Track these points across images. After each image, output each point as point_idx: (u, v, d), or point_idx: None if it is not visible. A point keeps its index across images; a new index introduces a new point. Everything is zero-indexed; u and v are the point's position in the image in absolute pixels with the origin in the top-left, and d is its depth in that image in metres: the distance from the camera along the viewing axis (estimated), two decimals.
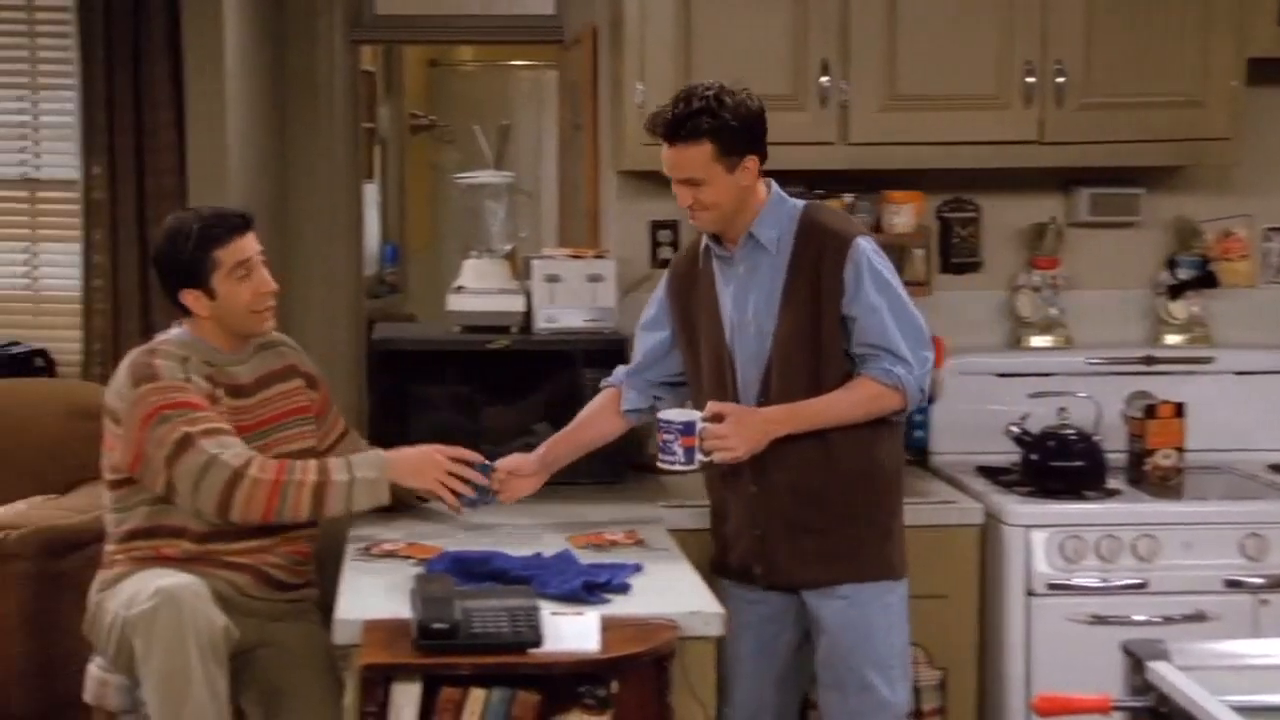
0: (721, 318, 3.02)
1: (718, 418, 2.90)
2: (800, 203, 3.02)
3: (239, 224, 3.11)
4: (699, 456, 2.93)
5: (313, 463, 2.98)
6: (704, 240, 3.06)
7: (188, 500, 2.95)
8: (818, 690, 3.06)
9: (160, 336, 3.18)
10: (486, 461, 3.13)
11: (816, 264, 2.92)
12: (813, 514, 2.96)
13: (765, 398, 2.97)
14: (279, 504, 2.93)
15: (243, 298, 3.09)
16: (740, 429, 2.89)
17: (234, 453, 2.93)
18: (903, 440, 3.10)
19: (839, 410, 2.91)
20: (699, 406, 3.01)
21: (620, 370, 3.23)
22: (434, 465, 3.04)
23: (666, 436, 2.95)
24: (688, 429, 2.93)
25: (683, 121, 2.89)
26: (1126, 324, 4.04)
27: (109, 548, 3.14)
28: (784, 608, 3.02)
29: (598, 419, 3.22)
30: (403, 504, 3.20)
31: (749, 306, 2.98)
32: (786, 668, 3.08)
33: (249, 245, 3.11)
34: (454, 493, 3.06)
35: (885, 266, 2.94)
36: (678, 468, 2.96)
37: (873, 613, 2.96)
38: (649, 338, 3.18)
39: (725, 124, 2.87)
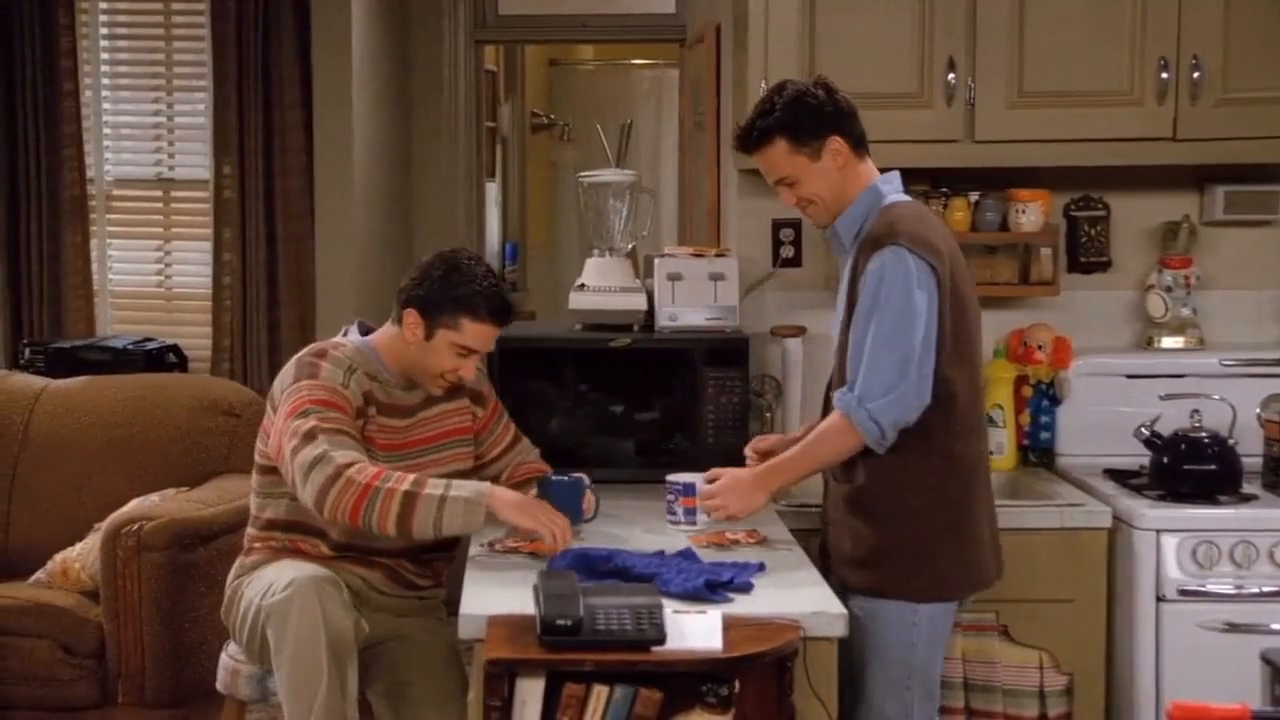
0: (838, 298, 3.07)
1: (714, 479, 3.02)
2: (892, 200, 2.96)
3: (500, 319, 3.10)
4: (700, 517, 3.08)
5: (411, 475, 2.93)
6: None
7: (299, 491, 2.94)
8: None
9: (337, 339, 3.19)
10: (580, 476, 3.16)
11: (859, 266, 2.90)
12: (857, 522, 2.94)
13: (827, 395, 3.02)
14: (366, 507, 2.86)
15: (441, 364, 3.10)
16: (733, 487, 2.99)
17: (344, 453, 2.91)
18: (968, 472, 2.94)
19: (814, 457, 2.93)
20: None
21: None
22: (539, 508, 2.96)
23: (669, 497, 3.13)
24: (687, 490, 3.11)
25: (749, 131, 2.94)
26: (1262, 325, 3.94)
27: (250, 532, 3.19)
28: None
29: None
30: None
31: (840, 294, 3.02)
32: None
33: (488, 341, 3.11)
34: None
35: (898, 279, 2.80)
36: (680, 527, 3.11)
37: (885, 629, 2.89)
38: None
39: (786, 116, 2.89)
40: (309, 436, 2.94)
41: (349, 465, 2.89)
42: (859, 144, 2.95)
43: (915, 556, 2.90)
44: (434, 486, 2.89)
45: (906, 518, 2.90)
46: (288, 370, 3.10)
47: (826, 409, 3.04)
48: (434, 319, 3.06)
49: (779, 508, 3.35)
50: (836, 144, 2.91)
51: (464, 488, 2.92)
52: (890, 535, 2.91)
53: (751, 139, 2.93)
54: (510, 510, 2.91)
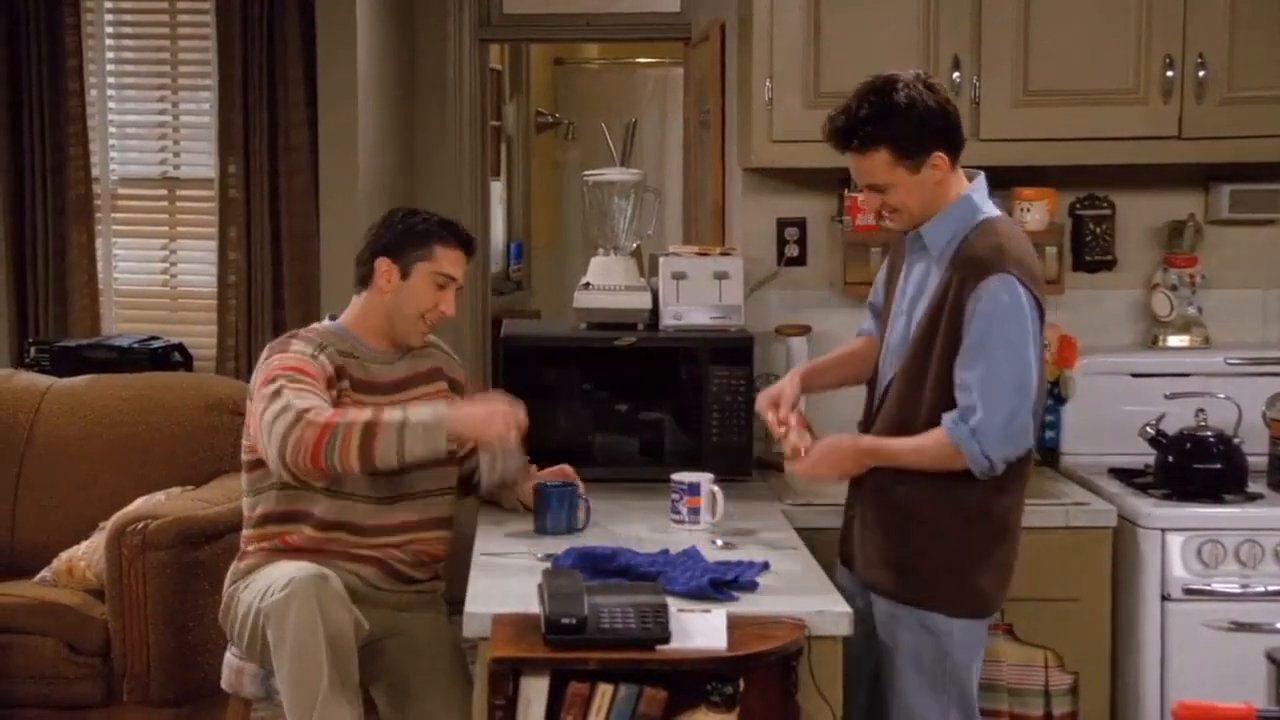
0: (894, 293, 2.99)
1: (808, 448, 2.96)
2: (986, 214, 2.87)
3: (467, 245, 3.22)
4: (705, 518, 3.10)
5: (368, 409, 2.97)
6: None
7: (266, 447, 2.96)
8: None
9: (314, 325, 3.27)
10: (573, 484, 3.17)
11: (952, 287, 2.81)
12: (902, 527, 2.90)
13: (886, 393, 2.95)
14: (327, 445, 2.87)
15: (422, 302, 3.15)
16: (828, 453, 2.94)
17: (305, 400, 2.94)
18: (1018, 490, 2.90)
19: (913, 459, 2.84)
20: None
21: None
22: (500, 416, 2.98)
23: (674, 496, 3.15)
24: (692, 489, 3.12)
25: (852, 130, 2.80)
26: (1268, 323, 3.94)
27: (245, 533, 3.21)
28: (866, 603, 2.95)
29: (852, 359, 3.20)
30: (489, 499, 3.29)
31: (908, 296, 2.93)
32: (870, 667, 2.97)
33: (460, 267, 3.20)
34: (545, 517, 3.10)
35: (1013, 311, 2.74)
36: (685, 526, 3.12)
37: (921, 636, 2.86)
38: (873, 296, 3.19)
39: (897, 129, 2.77)
40: (275, 395, 2.98)
41: (307, 410, 2.92)
42: (957, 155, 2.85)
43: (957, 571, 2.86)
44: (392, 414, 2.94)
45: (956, 532, 2.85)
46: (262, 356, 3.16)
47: (871, 404, 3.02)
48: (407, 255, 3.15)
49: (784, 507, 3.35)
50: (939, 159, 2.81)
51: (422, 413, 2.97)
52: (936, 546, 2.86)
53: (854, 141, 2.81)
54: (473, 429, 2.99)
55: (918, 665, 2.87)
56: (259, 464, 3.11)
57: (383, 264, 3.16)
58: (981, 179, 2.93)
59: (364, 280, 3.20)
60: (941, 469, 2.81)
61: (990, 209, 2.90)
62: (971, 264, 2.79)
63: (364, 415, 2.93)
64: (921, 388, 2.86)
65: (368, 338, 3.19)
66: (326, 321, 3.26)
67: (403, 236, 3.16)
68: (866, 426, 3.03)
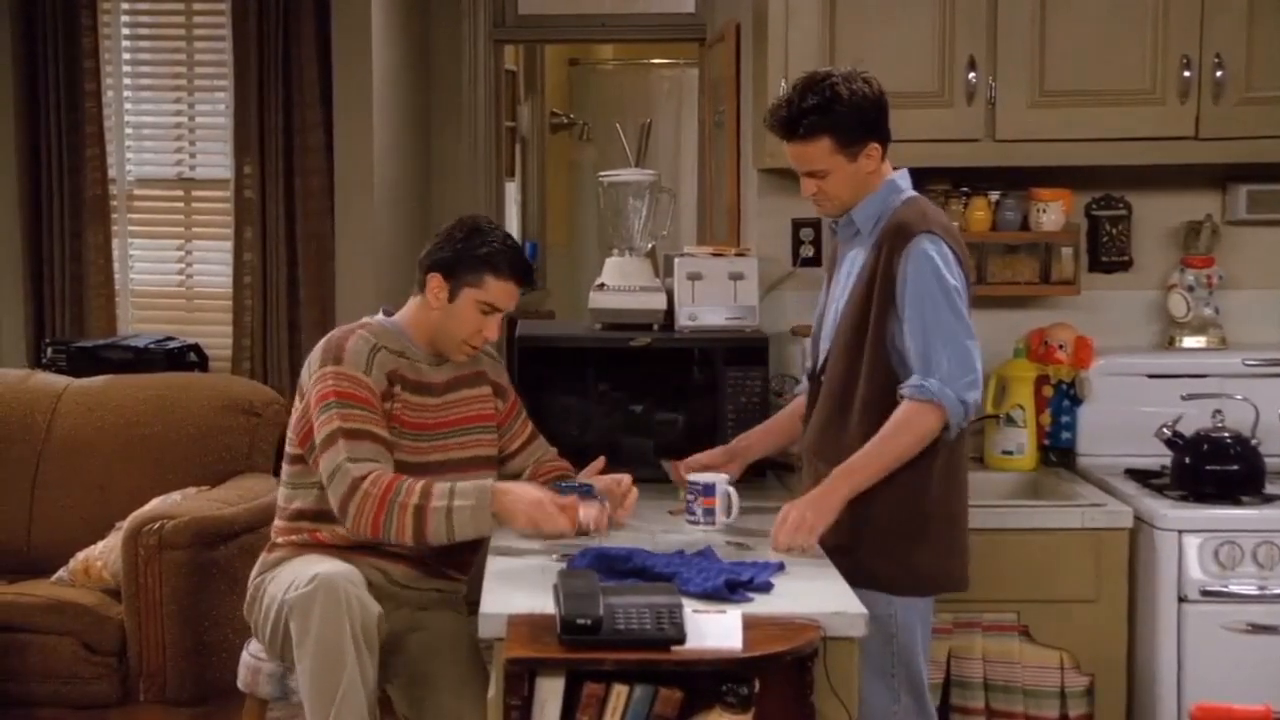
0: (829, 285, 3.13)
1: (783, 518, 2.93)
2: (909, 195, 3.02)
3: (522, 276, 3.16)
4: (720, 518, 3.09)
5: (419, 485, 2.97)
6: None
7: (327, 493, 3.03)
8: None
9: (366, 319, 3.24)
10: (590, 484, 3.15)
11: (882, 255, 2.93)
12: (844, 510, 2.95)
13: (822, 377, 3.05)
14: (385, 522, 2.95)
15: (466, 327, 3.14)
16: (803, 512, 2.90)
17: (360, 464, 2.97)
18: (946, 465, 2.95)
19: (890, 453, 2.87)
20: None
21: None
22: (547, 509, 2.95)
23: (689, 497, 3.15)
24: (707, 490, 3.11)
25: (798, 120, 2.94)
26: None
27: (276, 524, 3.22)
28: None
29: (788, 421, 3.31)
30: None
31: (840, 281, 3.07)
32: None
33: (510, 299, 3.16)
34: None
35: (941, 270, 2.87)
36: (700, 528, 3.11)
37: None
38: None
39: (841, 118, 2.91)
40: (331, 439, 3.00)
41: (363, 478, 2.95)
42: (887, 146, 3.01)
43: (891, 551, 2.94)
44: (439, 497, 2.95)
45: (894, 510, 2.93)
46: (315, 354, 3.15)
47: (814, 396, 3.08)
48: (458, 279, 3.12)
49: None
50: (874, 150, 2.97)
51: (467, 495, 2.95)
52: (873, 526, 2.94)
53: (799, 130, 2.94)
54: (515, 519, 2.94)
55: (864, 650, 2.86)
56: (302, 459, 3.13)
57: (434, 280, 3.14)
58: (905, 170, 3.06)
59: (421, 285, 3.18)
60: (922, 442, 2.87)
61: (912, 191, 3.04)
62: (898, 230, 2.93)
63: (414, 497, 2.94)
64: (859, 359, 2.96)
65: (418, 340, 3.19)
66: (380, 316, 3.24)
67: (459, 257, 3.12)
68: (806, 419, 3.13)
